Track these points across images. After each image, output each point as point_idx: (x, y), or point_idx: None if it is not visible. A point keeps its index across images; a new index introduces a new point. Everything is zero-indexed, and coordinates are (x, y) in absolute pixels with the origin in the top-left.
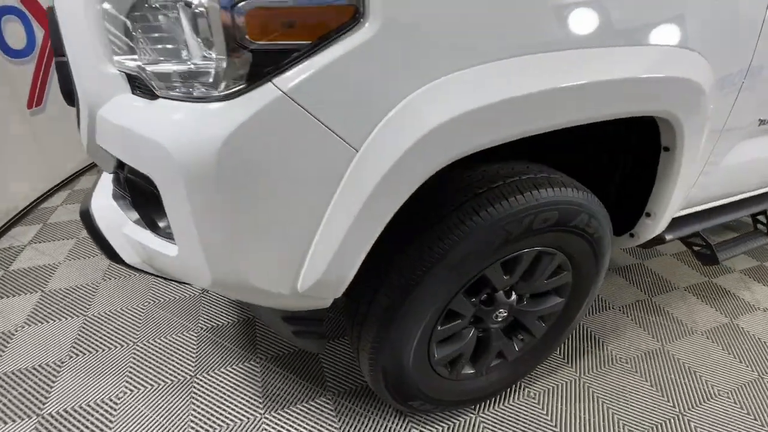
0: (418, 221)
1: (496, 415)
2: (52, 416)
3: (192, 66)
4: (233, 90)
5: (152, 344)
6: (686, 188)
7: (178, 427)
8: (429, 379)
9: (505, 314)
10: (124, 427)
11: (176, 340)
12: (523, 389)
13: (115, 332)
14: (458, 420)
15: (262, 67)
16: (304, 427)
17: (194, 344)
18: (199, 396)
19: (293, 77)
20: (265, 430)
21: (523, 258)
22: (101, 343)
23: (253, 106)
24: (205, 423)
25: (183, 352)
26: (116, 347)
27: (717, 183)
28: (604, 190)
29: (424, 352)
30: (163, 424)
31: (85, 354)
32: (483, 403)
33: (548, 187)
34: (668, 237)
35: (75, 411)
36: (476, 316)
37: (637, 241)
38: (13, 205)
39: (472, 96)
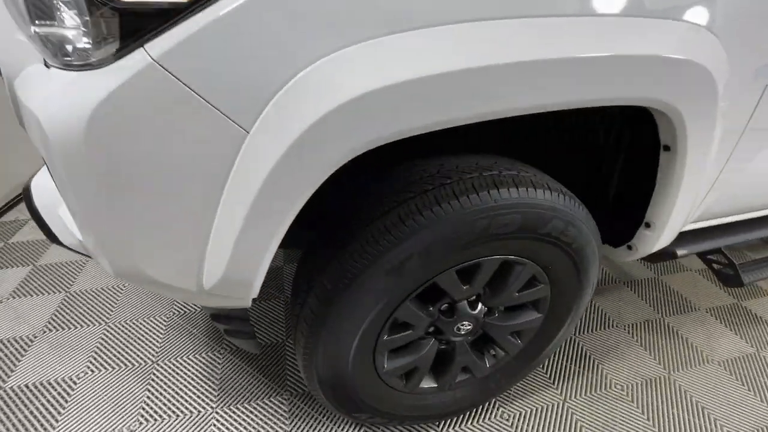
0: (353, 219)
1: None
2: (13, 390)
3: (62, 30)
4: (104, 57)
5: (123, 326)
6: (694, 196)
7: (129, 412)
8: (378, 391)
9: (470, 327)
10: (78, 406)
11: (147, 323)
12: (497, 408)
13: (91, 311)
14: None
15: (134, 30)
16: (253, 426)
17: (163, 330)
18: (157, 382)
19: (166, 42)
20: (214, 425)
21: (484, 267)
22: (75, 320)
23: (122, 76)
24: (156, 411)
25: (150, 336)
26: (88, 326)
27: (743, 192)
28: (602, 195)
29: (367, 362)
30: (115, 408)
31: (57, 330)
32: (448, 420)
33: (511, 187)
34: (681, 252)
35: (36, 387)
36: (436, 327)
37: (636, 255)
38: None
39: (393, 68)
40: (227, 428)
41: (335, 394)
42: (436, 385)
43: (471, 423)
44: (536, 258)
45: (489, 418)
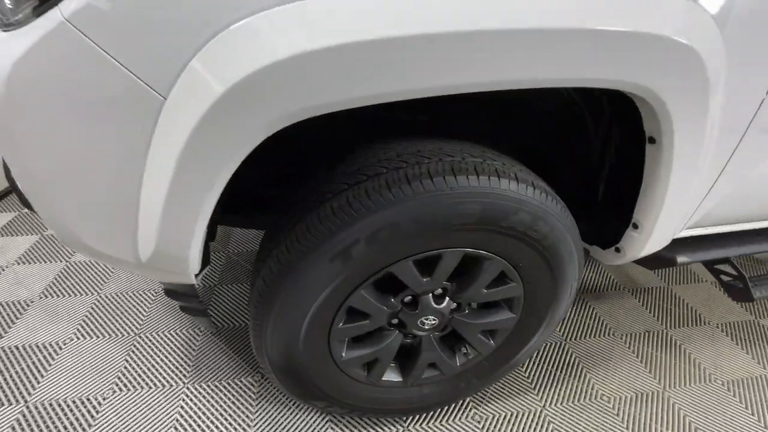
0: (304, 201)
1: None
2: (3, 350)
3: None
4: (24, 17)
5: (113, 297)
6: (686, 197)
7: (106, 380)
8: (336, 380)
9: (435, 322)
10: (62, 368)
11: (136, 297)
12: (470, 409)
13: (86, 281)
14: (382, 430)
15: None
16: (220, 404)
17: (150, 303)
18: (136, 353)
19: (78, 1)
20: (183, 399)
21: (444, 259)
22: (69, 289)
23: (36, 35)
24: (131, 381)
25: (138, 309)
26: (80, 295)
27: (751, 199)
28: (592, 194)
29: (321, 349)
30: (94, 375)
31: (51, 297)
32: (416, 417)
33: (471, 175)
34: (681, 259)
35: (24, 348)
36: (400, 320)
37: (624, 258)
38: None
39: (320, 32)
40: (195, 404)
41: (289, 378)
42: (401, 380)
43: (440, 422)
44: (504, 253)
45: (460, 419)
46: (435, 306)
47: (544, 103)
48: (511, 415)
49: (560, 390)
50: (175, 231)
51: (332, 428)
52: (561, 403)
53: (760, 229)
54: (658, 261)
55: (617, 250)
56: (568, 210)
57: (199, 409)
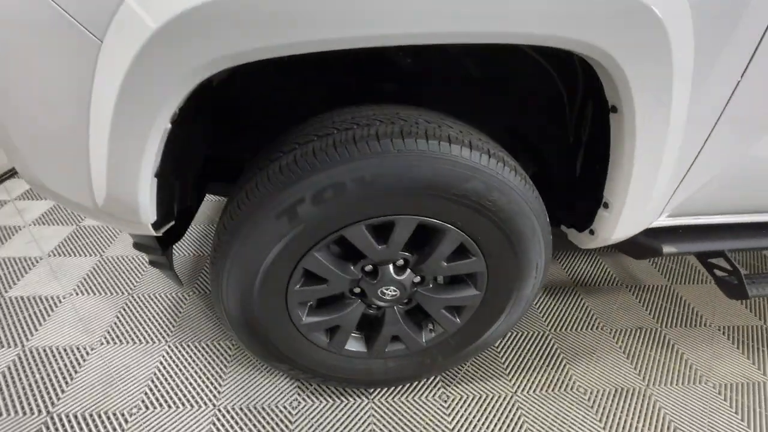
0: (260, 160)
1: (391, 406)
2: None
3: None
4: None
5: (116, 258)
6: (659, 175)
7: (97, 330)
8: (297, 343)
9: (396, 294)
10: (59, 320)
11: (137, 258)
12: (438, 388)
13: (93, 243)
14: (347, 400)
15: None
16: (196, 364)
17: (147, 267)
18: (127, 310)
19: None
20: (162, 356)
21: (398, 226)
22: (77, 250)
23: None
24: (118, 335)
25: (135, 269)
26: (86, 256)
27: (742, 187)
28: (568, 172)
29: (278, 310)
30: (89, 324)
31: (59, 256)
32: (383, 390)
33: (420, 138)
34: (667, 249)
35: (29, 299)
36: (362, 289)
37: (598, 240)
38: None
39: None
40: (172, 361)
41: (247, 335)
42: (365, 351)
43: (406, 397)
44: (461, 225)
45: (426, 396)
46: (395, 277)
47: (526, 81)
48: (479, 398)
49: (535, 378)
50: (121, 175)
51: (299, 394)
52: (534, 391)
53: (760, 223)
54: (642, 249)
55: (591, 232)
56: (532, 185)
57: (177, 365)
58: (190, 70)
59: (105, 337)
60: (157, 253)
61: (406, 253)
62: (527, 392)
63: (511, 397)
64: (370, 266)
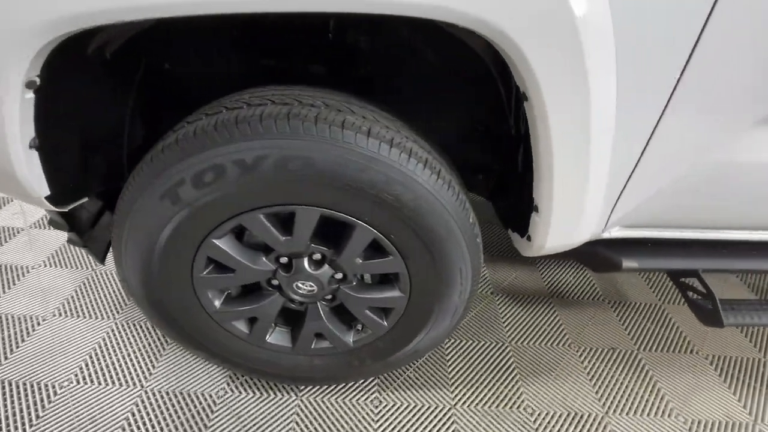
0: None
1: (318, 406)
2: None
3: None
4: None
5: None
6: (588, 176)
7: (53, 301)
8: (212, 332)
9: (313, 289)
10: (22, 289)
11: None
12: (373, 392)
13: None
14: (274, 394)
15: None
16: (135, 342)
17: None
18: (86, 285)
19: None
20: (106, 333)
21: (298, 216)
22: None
23: None
24: (71, 308)
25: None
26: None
27: (717, 197)
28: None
29: (185, 297)
30: (48, 295)
31: (40, 229)
32: (312, 388)
33: (306, 122)
34: (627, 263)
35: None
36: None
37: (533, 247)
38: None
39: None
40: (115, 338)
41: (160, 320)
42: (290, 346)
43: (336, 398)
44: (368, 219)
45: (358, 399)
46: (310, 271)
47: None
48: (414, 407)
49: (480, 392)
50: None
51: (228, 384)
52: (475, 405)
53: (737, 241)
54: (600, 261)
55: (528, 238)
56: (449, 182)
57: (118, 343)
58: (22, 34)
59: (59, 309)
60: (66, 229)
61: (322, 248)
62: (467, 406)
63: (449, 410)
64: (285, 259)
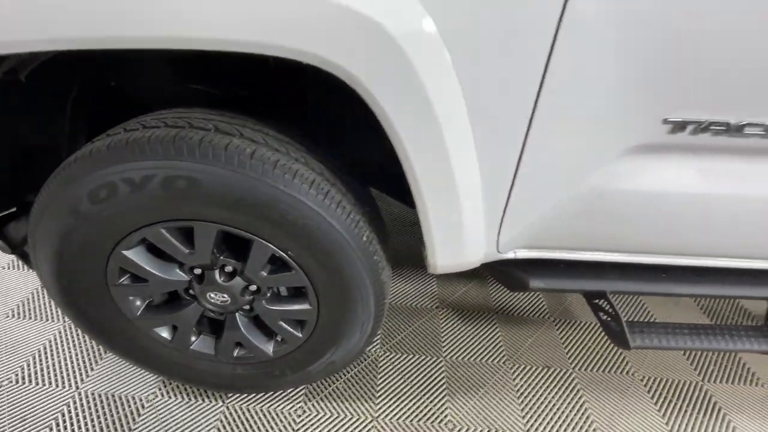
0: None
1: (243, 413)
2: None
3: None
4: None
5: None
6: (458, 197)
7: (10, 302)
8: (130, 334)
9: (226, 299)
10: None
11: None
12: (299, 401)
13: None
14: (201, 400)
15: None
16: (79, 345)
17: None
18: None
19: None
20: (53, 335)
21: (197, 231)
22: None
23: None
24: (25, 310)
25: None
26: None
27: (608, 221)
28: None
29: (103, 302)
30: (6, 296)
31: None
32: (238, 395)
33: (189, 143)
34: (534, 283)
35: None
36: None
37: (431, 265)
38: None
39: None
40: (61, 340)
41: (84, 326)
42: (213, 353)
43: (261, 405)
44: (264, 235)
45: (282, 407)
46: (221, 282)
47: None
48: (335, 417)
49: (405, 405)
50: None
51: (159, 388)
52: (397, 419)
53: (646, 265)
54: (510, 281)
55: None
56: (340, 203)
57: (62, 345)
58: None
59: (13, 310)
60: None
61: (232, 260)
62: (389, 419)
63: (370, 422)
64: (199, 270)
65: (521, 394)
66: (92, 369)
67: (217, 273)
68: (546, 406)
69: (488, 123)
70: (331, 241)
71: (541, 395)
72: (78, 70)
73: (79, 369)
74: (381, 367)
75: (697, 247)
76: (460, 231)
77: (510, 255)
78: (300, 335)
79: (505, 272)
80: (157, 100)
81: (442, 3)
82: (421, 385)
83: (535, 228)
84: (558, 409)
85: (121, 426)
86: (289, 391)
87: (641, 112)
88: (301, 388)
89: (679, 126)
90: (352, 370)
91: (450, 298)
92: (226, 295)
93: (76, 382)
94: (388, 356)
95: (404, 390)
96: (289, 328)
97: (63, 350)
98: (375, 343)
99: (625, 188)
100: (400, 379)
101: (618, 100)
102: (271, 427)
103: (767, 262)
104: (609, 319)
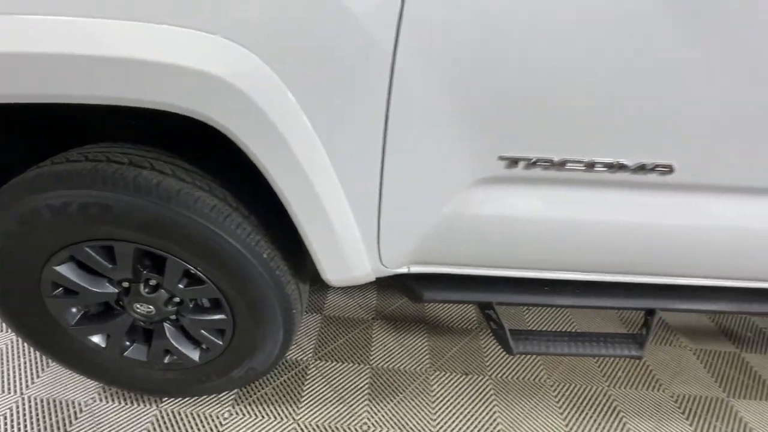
0: None
1: (174, 416)
2: None
3: None
4: None
5: None
6: (329, 216)
7: None
8: (68, 343)
9: (151, 310)
10: None
11: None
12: (227, 404)
13: None
14: (136, 404)
15: None
16: (29, 352)
17: None
18: None
19: None
20: (5, 343)
21: (115, 249)
22: None
23: None
24: None
25: None
26: None
27: (477, 241)
28: None
29: (38, 313)
30: None
31: None
32: (175, 399)
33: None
34: (427, 295)
35: None
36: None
37: (325, 279)
38: None
39: None
40: (12, 346)
41: (23, 335)
42: (145, 360)
43: (193, 408)
44: (175, 253)
45: (212, 411)
46: (146, 295)
47: None
48: (260, 420)
49: (325, 410)
50: None
51: (99, 393)
52: (316, 421)
53: (528, 279)
54: (410, 293)
55: None
56: (240, 224)
57: (13, 352)
58: None
59: None
60: None
61: (155, 275)
62: (308, 422)
63: (291, 424)
64: (126, 283)
65: (436, 399)
66: (38, 376)
67: (141, 286)
68: (458, 410)
69: (345, 157)
70: (232, 258)
71: (455, 400)
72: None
73: (26, 376)
74: (309, 374)
75: (555, 264)
76: (340, 250)
77: (404, 270)
78: (221, 343)
79: (405, 285)
80: (106, 129)
81: (281, 60)
82: (345, 390)
83: (415, 247)
84: (468, 412)
85: (58, 428)
86: (220, 395)
87: (480, 150)
88: (232, 393)
89: (513, 162)
90: (281, 377)
91: (386, 309)
92: (151, 306)
93: (20, 388)
94: (317, 364)
95: (327, 395)
96: (210, 336)
97: (12, 359)
98: (307, 352)
99: (480, 214)
100: (325, 385)
101: (458, 139)
102: (199, 429)
103: (622, 276)
104: (497, 327)
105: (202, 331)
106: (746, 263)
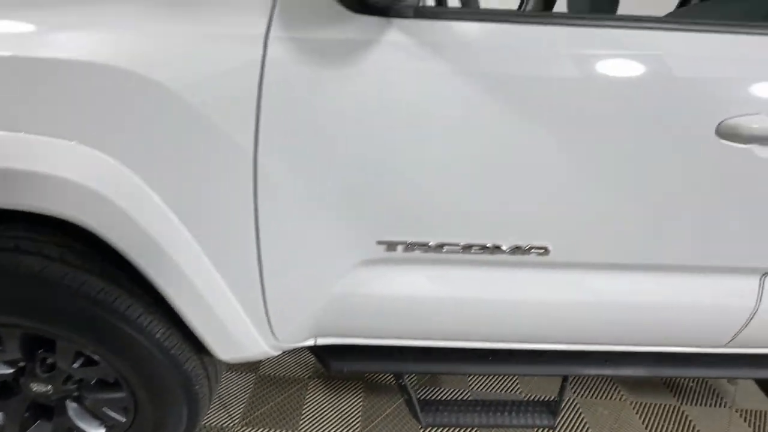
0: None
1: None
2: None
3: None
4: None
5: None
6: (210, 299)
7: None
8: None
9: (48, 389)
10: None
11: None
12: None
13: None
14: None
15: None
16: None
17: None
18: None
19: None
20: None
21: (2, 334)
22: None
23: None
24: None
25: None
26: None
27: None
28: None
29: None
30: None
31: None
32: None
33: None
34: (335, 366)
35: None
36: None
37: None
38: None
39: None
40: None
41: None
42: None
43: None
44: (64, 337)
45: None
46: (41, 374)
47: None
48: None
49: None
50: None
51: None
52: None
53: (438, 348)
54: (322, 363)
55: None
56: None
57: None
58: None
59: None
60: None
61: (49, 355)
62: None
63: None
64: (23, 363)
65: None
66: None
67: (37, 365)
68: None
69: (218, 246)
70: (122, 339)
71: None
72: None
73: None
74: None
75: (453, 335)
76: (224, 331)
77: (310, 342)
78: (124, 420)
79: (317, 356)
80: None
81: (141, 161)
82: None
83: (314, 322)
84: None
85: None
86: None
87: (358, 236)
88: None
89: (392, 246)
90: None
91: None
92: (48, 385)
93: None
94: (244, 431)
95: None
96: (113, 413)
97: None
98: (235, 418)
99: (371, 293)
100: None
101: (334, 227)
102: None
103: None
104: (408, 397)
105: (104, 408)
106: (633, 332)
